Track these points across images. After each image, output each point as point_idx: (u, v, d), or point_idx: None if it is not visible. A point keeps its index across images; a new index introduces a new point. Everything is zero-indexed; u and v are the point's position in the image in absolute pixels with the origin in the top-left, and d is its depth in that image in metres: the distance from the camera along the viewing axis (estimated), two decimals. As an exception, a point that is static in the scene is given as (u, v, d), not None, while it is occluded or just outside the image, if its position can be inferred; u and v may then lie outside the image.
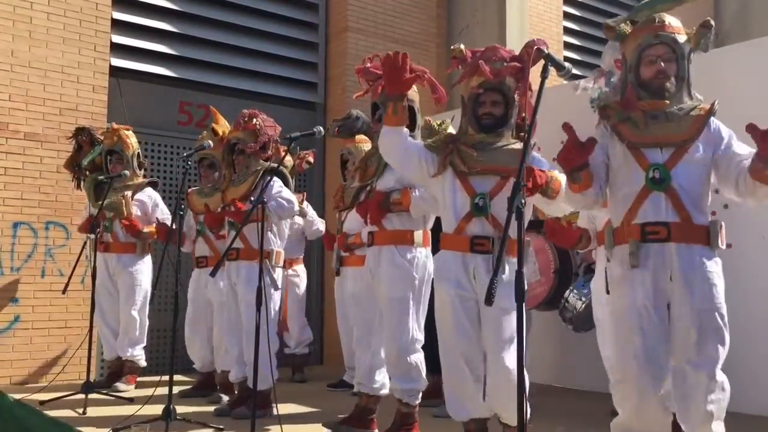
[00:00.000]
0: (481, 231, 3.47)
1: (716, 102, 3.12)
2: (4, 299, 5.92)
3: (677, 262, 2.99)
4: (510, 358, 3.30)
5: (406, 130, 3.63)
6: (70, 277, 5.35)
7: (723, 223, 3.07)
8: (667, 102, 3.08)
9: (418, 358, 4.04)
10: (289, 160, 6.12)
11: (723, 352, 2.97)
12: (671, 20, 3.18)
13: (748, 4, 10.25)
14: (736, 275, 4.85)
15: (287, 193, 4.81)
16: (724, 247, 3.05)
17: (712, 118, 3.09)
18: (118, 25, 6.78)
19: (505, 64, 3.51)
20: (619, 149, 3.14)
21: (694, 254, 2.99)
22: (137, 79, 6.96)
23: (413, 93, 4.23)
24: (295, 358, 6.62)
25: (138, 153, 5.99)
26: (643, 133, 3.07)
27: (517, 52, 3.56)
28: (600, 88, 4.53)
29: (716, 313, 2.96)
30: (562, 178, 3.39)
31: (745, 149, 3.01)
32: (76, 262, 5.46)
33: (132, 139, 5.93)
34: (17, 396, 5.13)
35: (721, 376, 2.95)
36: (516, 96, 3.54)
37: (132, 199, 5.85)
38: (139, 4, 6.97)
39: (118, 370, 5.86)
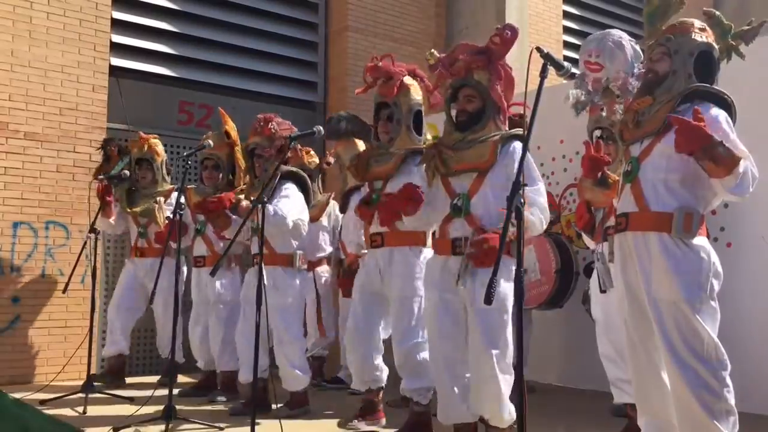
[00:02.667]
0: (461, 232, 3.49)
1: (695, 85, 3.01)
2: (5, 299, 5.92)
3: (635, 251, 3.00)
4: (491, 360, 3.32)
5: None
6: (70, 277, 5.35)
7: (697, 211, 2.92)
8: (651, 98, 3.07)
9: (427, 356, 4.02)
10: (315, 161, 6.17)
11: (697, 343, 2.83)
12: (681, 21, 3.17)
13: (746, 3, 10.24)
14: (735, 274, 4.87)
15: (289, 205, 4.62)
16: (696, 235, 2.91)
17: (704, 106, 2.96)
18: (117, 25, 6.78)
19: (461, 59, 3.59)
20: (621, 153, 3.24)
21: (650, 243, 2.94)
22: (137, 78, 6.96)
23: (419, 97, 4.25)
24: (314, 360, 6.44)
25: (165, 160, 6.14)
26: (635, 130, 3.11)
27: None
28: (582, 92, 4.53)
29: (678, 303, 2.85)
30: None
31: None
32: (77, 262, 5.46)
33: (160, 147, 6.08)
34: (17, 395, 5.14)
35: (706, 369, 2.82)
36: (495, 86, 3.56)
37: (164, 205, 5.93)
38: (139, 3, 6.97)
39: (118, 368, 5.87)
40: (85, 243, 5.46)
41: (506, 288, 3.38)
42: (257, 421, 3.75)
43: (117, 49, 6.76)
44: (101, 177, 5.81)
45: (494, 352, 3.33)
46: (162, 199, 5.95)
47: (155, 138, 6.09)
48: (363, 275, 4.29)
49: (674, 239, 2.90)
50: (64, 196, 6.17)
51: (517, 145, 3.52)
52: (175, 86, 7.21)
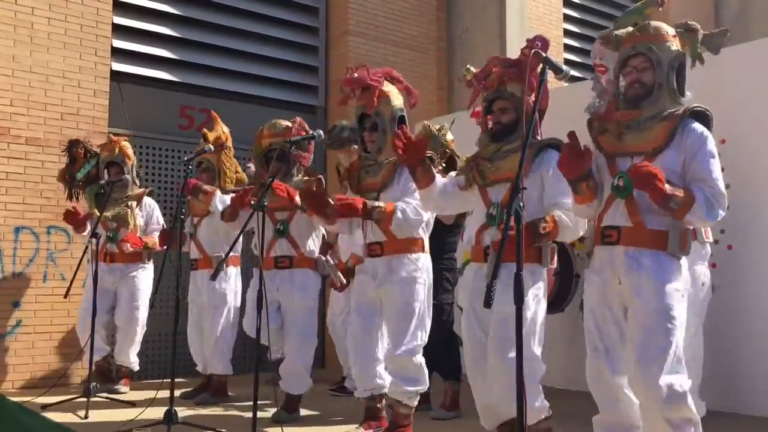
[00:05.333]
0: (493, 240, 3.53)
1: (691, 107, 3.09)
2: (6, 303, 5.93)
3: (624, 264, 3.05)
4: (506, 365, 3.33)
5: (438, 180, 3.74)
6: (71, 282, 5.35)
7: (687, 229, 3.02)
8: (641, 111, 3.10)
9: (422, 360, 4.13)
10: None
11: (669, 354, 2.92)
12: (655, 27, 3.18)
13: (748, 4, 10.27)
14: (735, 277, 4.87)
15: None
16: (686, 252, 3.03)
17: (690, 123, 3.05)
18: (118, 30, 6.79)
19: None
20: (600, 160, 3.21)
21: (642, 257, 3.01)
22: (138, 83, 6.97)
23: (399, 102, 4.31)
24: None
25: (135, 164, 6.06)
26: (618, 143, 3.13)
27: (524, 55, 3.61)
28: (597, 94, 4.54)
29: (663, 314, 2.94)
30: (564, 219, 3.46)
31: (701, 169, 2.99)
32: (78, 267, 5.47)
33: (130, 150, 6.00)
34: (19, 400, 5.14)
35: (669, 380, 2.89)
36: (528, 97, 3.56)
37: (136, 209, 5.91)
38: (140, 8, 6.99)
39: (106, 371, 5.86)
40: (87, 248, 5.47)
41: (529, 295, 3.43)
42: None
43: (118, 53, 6.77)
44: (104, 181, 5.79)
45: (509, 356, 3.36)
46: (134, 203, 5.92)
47: (126, 140, 6.02)
48: (358, 286, 4.32)
49: (667, 255, 3.00)
50: (67, 202, 6.17)
51: (549, 155, 3.56)
52: (176, 90, 7.21)
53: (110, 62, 6.63)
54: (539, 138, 3.65)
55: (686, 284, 3.07)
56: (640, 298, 2.99)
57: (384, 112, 4.21)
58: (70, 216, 5.72)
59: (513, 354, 3.33)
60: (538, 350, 3.48)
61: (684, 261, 3.06)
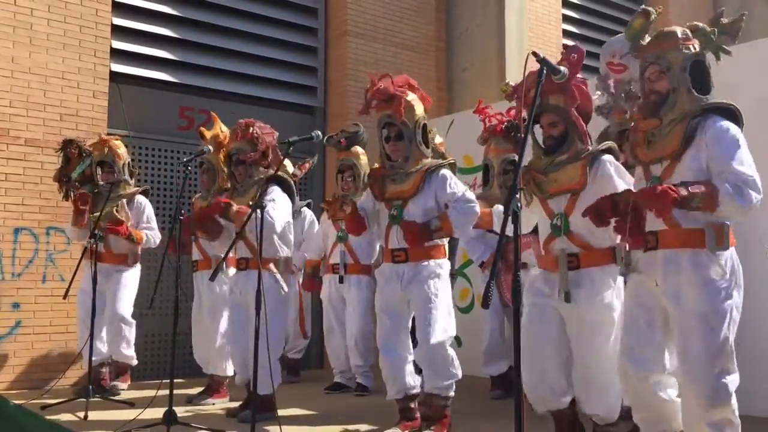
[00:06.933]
0: (567, 248, 3.59)
1: (706, 104, 3.10)
2: (6, 304, 5.93)
3: (662, 267, 3.10)
4: (594, 369, 3.51)
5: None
6: (71, 283, 5.35)
7: (723, 223, 3.03)
8: (658, 120, 3.15)
9: (453, 352, 4.22)
10: (289, 165, 6.17)
11: (714, 353, 2.95)
12: (664, 33, 3.22)
13: (748, 4, 10.26)
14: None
15: (277, 209, 4.68)
16: (724, 247, 3.04)
17: (707, 119, 3.08)
18: (118, 31, 6.80)
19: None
20: (638, 170, 3.31)
21: (681, 259, 3.05)
22: (137, 84, 6.98)
23: (421, 109, 4.33)
24: (286, 360, 6.58)
25: (128, 162, 6.01)
26: (648, 151, 3.20)
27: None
28: (604, 95, 4.51)
29: (704, 314, 2.97)
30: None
31: (721, 161, 3.01)
32: (77, 268, 5.46)
33: (122, 149, 5.94)
34: (18, 401, 5.14)
35: (715, 380, 2.93)
36: (573, 107, 3.60)
37: (126, 208, 5.89)
38: (139, 9, 6.99)
39: (99, 379, 5.80)
40: (86, 249, 5.47)
41: (611, 297, 3.53)
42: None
43: (117, 54, 6.78)
44: (102, 183, 5.80)
45: (595, 364, 3.51)
46: (124, 201, 5.88)
47: (117, 140, 5.98)
48: (384, 290, 4.34)
49: (706, 253, 3.02)
50: (65, 202, 6.16)
51: (606, 160, 3.59)
52: (175, 92, 7.22)
53: (109, 63, 6.63)
54: (589, 147, 3.67)
55: (735, 279, 3.08)
56: (681, 299, 3.03)
57: (409, 121, 4.25)
58: (84, 198, 5.65)
59: (600, 362, 3.48)
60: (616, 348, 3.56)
61: (729, 253, 3.07)
